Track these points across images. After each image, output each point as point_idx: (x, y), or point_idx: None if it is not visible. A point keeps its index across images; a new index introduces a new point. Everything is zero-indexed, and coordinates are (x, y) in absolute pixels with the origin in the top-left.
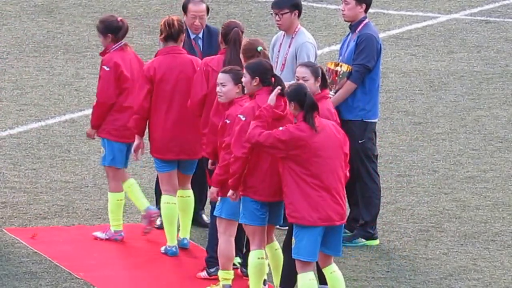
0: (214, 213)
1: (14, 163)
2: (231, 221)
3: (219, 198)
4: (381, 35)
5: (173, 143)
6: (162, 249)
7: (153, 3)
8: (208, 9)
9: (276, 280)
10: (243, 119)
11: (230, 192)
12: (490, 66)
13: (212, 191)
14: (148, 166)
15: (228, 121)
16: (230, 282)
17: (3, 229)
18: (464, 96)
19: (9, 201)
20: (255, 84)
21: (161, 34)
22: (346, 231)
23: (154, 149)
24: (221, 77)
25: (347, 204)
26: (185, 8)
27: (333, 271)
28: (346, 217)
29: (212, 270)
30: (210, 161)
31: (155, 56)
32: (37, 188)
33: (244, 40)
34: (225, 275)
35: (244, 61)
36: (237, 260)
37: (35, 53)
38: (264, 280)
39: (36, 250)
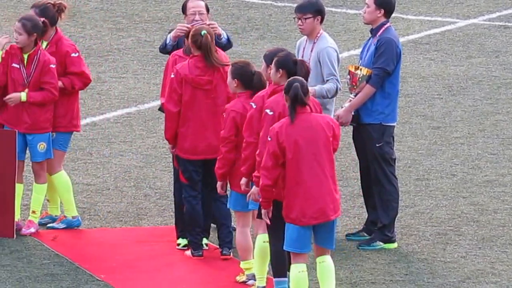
0: (228, 206)
1: None
2: (240, 213)
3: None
4: (400, 40)
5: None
6: (62, 225)
7: (174, 7)
8: (207, 7)
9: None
10: (254, 106)
11: (242, 180)
12: (508, 71)
13: (217, 185)
14: (167, 170)
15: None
16: (252, 271)
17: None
18: (483, 101)
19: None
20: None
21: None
22: (365, 234)
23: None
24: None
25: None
26: (184, 9)
27: (323, 261)
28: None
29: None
30: (170, 145)
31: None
32: None
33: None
34: (246, 265)
35: (192, 47)
36: (205, 241)
37: None
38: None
39: (57, 252)
